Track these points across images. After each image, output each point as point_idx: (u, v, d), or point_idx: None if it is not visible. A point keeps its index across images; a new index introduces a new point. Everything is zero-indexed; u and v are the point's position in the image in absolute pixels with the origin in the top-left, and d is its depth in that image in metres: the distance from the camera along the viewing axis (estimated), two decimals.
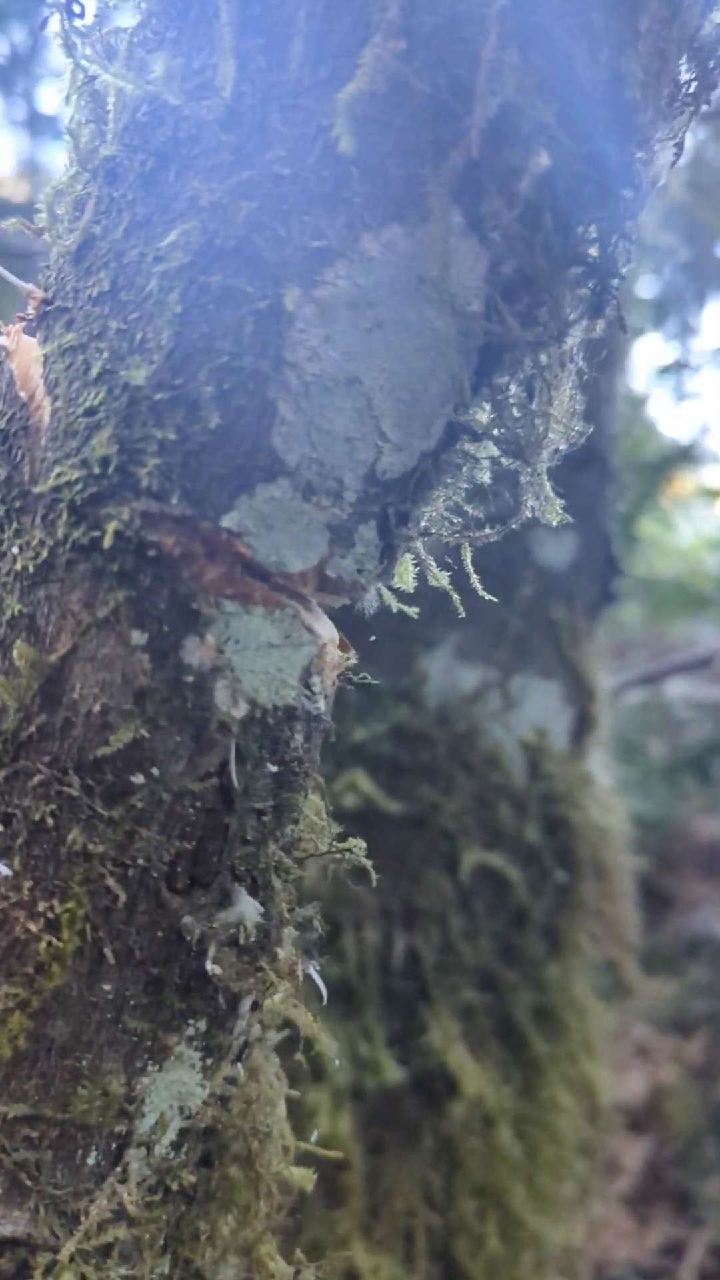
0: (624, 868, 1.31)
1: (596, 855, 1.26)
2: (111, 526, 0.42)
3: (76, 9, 0.53)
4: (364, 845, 0.55)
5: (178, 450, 0.42)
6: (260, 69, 0.41)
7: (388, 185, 0.41)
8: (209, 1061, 0.49)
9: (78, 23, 0.47)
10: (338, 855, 0.53)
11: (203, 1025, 0.49)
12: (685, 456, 3.41)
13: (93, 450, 0.42)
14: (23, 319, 0.47)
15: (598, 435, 1.32)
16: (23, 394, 0.44)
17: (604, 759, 1.32)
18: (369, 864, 0.55)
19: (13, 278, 0.48)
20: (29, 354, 0.45)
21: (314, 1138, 0.56)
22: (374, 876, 0.55)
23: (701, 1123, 2.98)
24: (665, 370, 3.32)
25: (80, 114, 0.46)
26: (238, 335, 0.41)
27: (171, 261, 0.41)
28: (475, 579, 0.53)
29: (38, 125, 3.03)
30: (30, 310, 0.46)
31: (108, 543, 0.42)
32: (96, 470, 0.42)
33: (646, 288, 3.04)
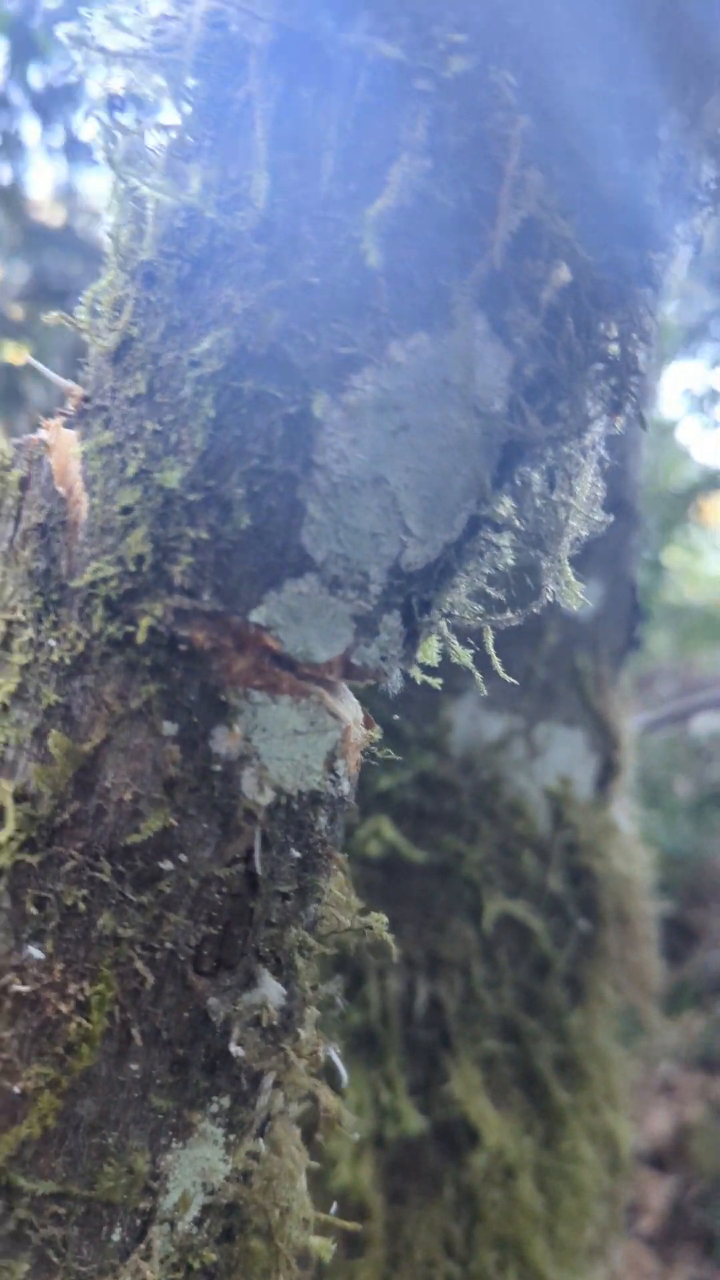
0: (646, 915, 1.30)
1: (619, 904, 1.26)
2: (145, 622, 0.43)
3: (117, 104, 0.55)
4: (385, 920, 0.56)
5: (210, 549, 0.43)
6: (293, 182, 0.42)
7: (414, 294, 0.42)
8: (232, 1137, 0.50)
9: (120, 116, 0.49)
10: (361, 931, 0.54)
11: (226, 1102, 0.50)
12: (715, 483, 3.41)
13: (128, 548, 0.44)
14: (62, 414, 0.48)
15: (624, 482, 1.33)
16: (61, 489, 0.46)
17: (628, 806, 1.32)
18: (390, 939, 0.55)
19: (52, 374, 0.49)
20: (68, 449, 0.47)
21: (334, 1209, 0.57)
22: (391, 942, 0.56)
23: None
24: (696, 400, 3.33)
25: (120, 218, 0.47)
26: (269, 439, 0.43)
27: (206, 367, 0.43)
28: (496, 661, 0.53)
29: (75, 152, 3.08)
30: (70, 406, 0.48)
31: (141, 638, 0.43)
32: (132, 567, 0.44)
33: (677, 313, 3.06)
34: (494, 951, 1.19)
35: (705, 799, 2.75)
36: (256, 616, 0.44)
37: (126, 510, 0.44)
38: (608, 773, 1.27)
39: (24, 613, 0.46)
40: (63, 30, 0.45)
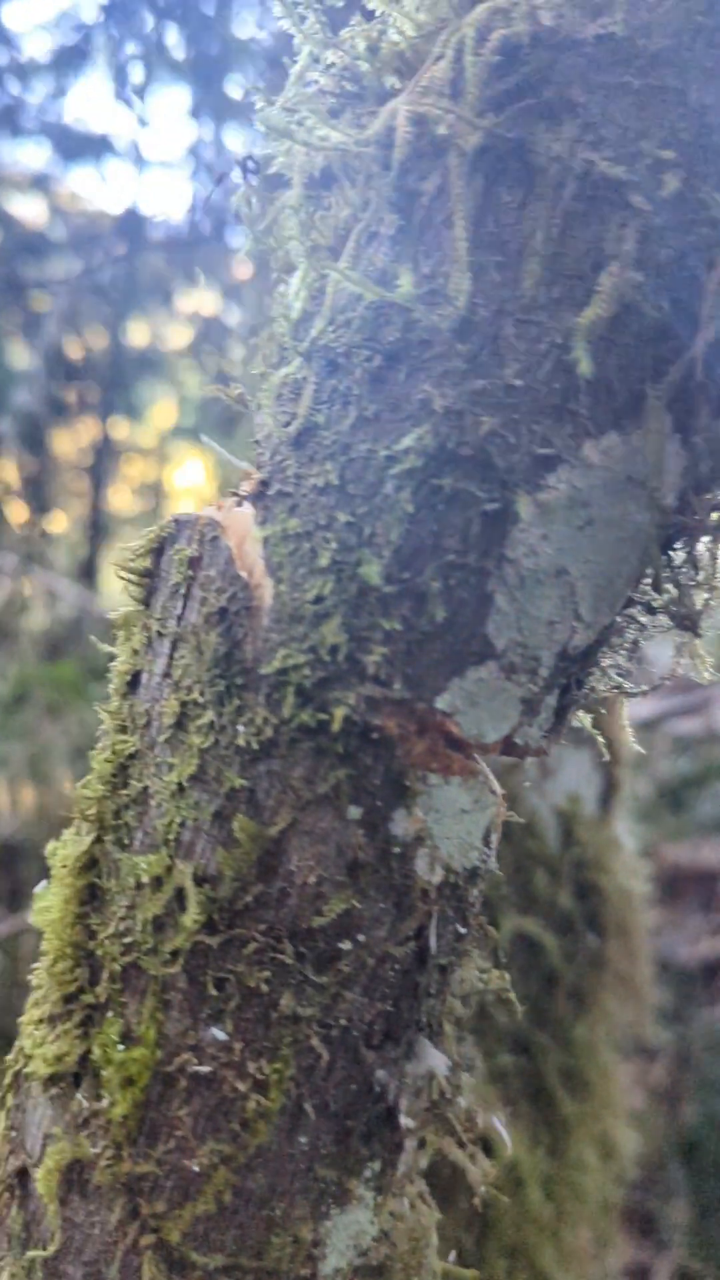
0: (644, 928, 1.34)
1: (621, 918, 1.30)
2: (340, 712, 0.44)
3: (251, 165, 0.56)
4: (508, 978, 0.57)
5: (402, 639, 0.44)
6: (494, 283, 0.43)
7: (611, 398, 0.43)
8: (379, 1199, 0.51)
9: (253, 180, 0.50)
10: (490, 989, 0.55)
11: (377, 1166, 0.51)
12: None
13: (322, 637, 0.44)
14: (235, 494, 0.48)
15: None
16: (243, 573, 0.46)
17: (629, 822, 1.35)
18: (513, 996, 0.57)
19: (225, 453, 0.49)
20: (245, 532, 0.47)
21: (451, 1257, 0.58)
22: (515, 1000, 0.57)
23: (666, 1146, 3.03)
24: None
25: (291, 291, 0.48)
26: (465, 534, 0.44)
27: (405, 463, 0.43)
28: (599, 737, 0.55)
29: None
30: (244, 488, 0.48)
31: (336, 727, 0.44)
32: (325, 657, 0.44)
33: None
34: (507, 968, 1.21)
35: (658, 796, 2.82)
36: (441, 703, 0.45)
37: (319, 600, 0.45)
38: (610, 789, 1.31)
39: (202, 694, 0.47)
40: (263, 118, 0.46)
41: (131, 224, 3.21)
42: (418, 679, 0.45)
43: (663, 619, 0.51)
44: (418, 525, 0.44)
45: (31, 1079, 0.51)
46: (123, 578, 0.52)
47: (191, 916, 0.46)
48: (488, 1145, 1.16)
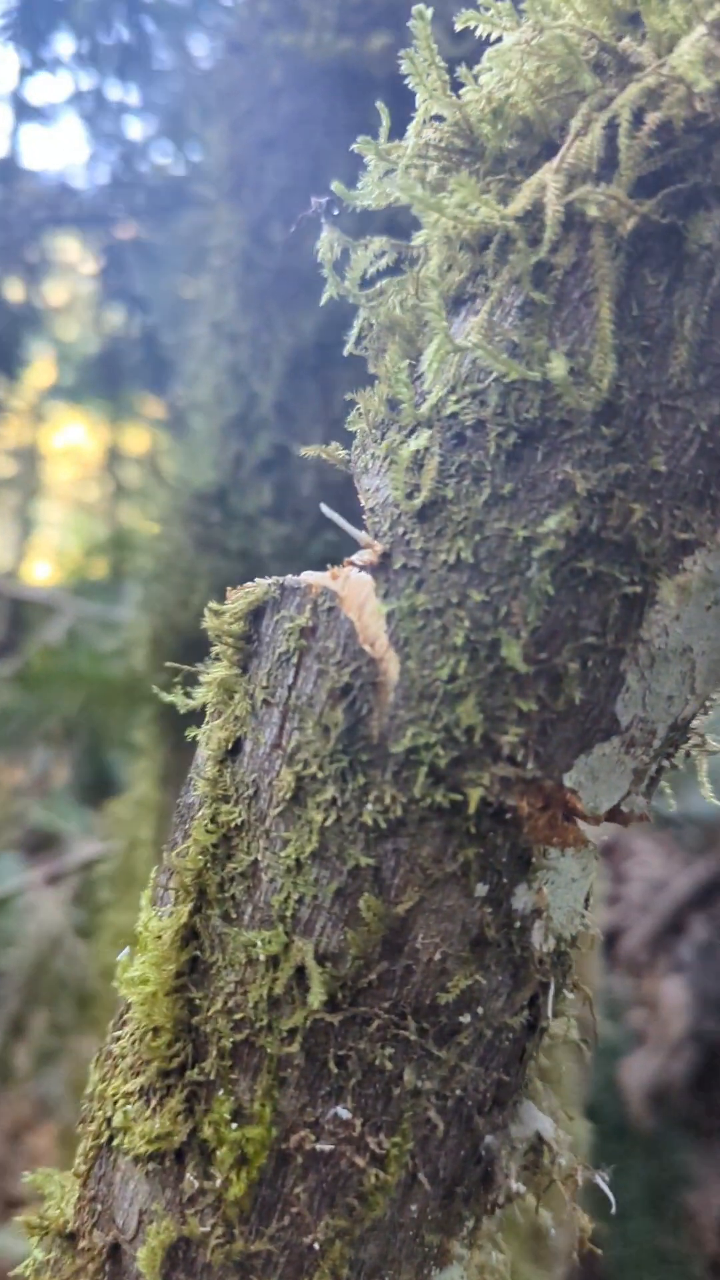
0: (594, 925, 1.37)
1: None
2: (476, 794, 0.44)
3: (335, 211, 0.54)
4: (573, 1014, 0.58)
5: (537, 719, 0.44)
6: (639, 367, 0.43)
7: None
8: (470, 1254, 0.52)
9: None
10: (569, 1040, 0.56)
11: (472, 1224, 0.51)
12: None
13: (456, 717, 0.44)
14: (352, 565, 0.47)
15: None
16: (368, 648, 0.45)
17: None
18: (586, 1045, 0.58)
19: (347, 525, 0.48)
20: (364, 604, 0.46)
21: None
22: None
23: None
24: None
25: (426, 362, 0.47)
26: (604, 616, 0.44)
27: (546, 545, 0.43)
28: (707, 787, 0.56)
29: None
30: (365, 559, 0.47)
31: (473, 809, 0.44)
32: (459, 736, 0.44)
33: None
34: None
35: None
36: (568, 781, 0.46)
37: (452, 678, 0.44)
38: None
39: (321, 769, 0.46)
40: (406, 189, 0.44)
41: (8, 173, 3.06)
42: (548, 757, 0.45)
43: None
44: (557, 607, 0.44)
45: (121, 1152, 0.50)
46: (218, 642, 0.50)
47: (315, 996, 0.45)
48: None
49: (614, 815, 0.50)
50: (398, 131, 0.50)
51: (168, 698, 0.58)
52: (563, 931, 0.49)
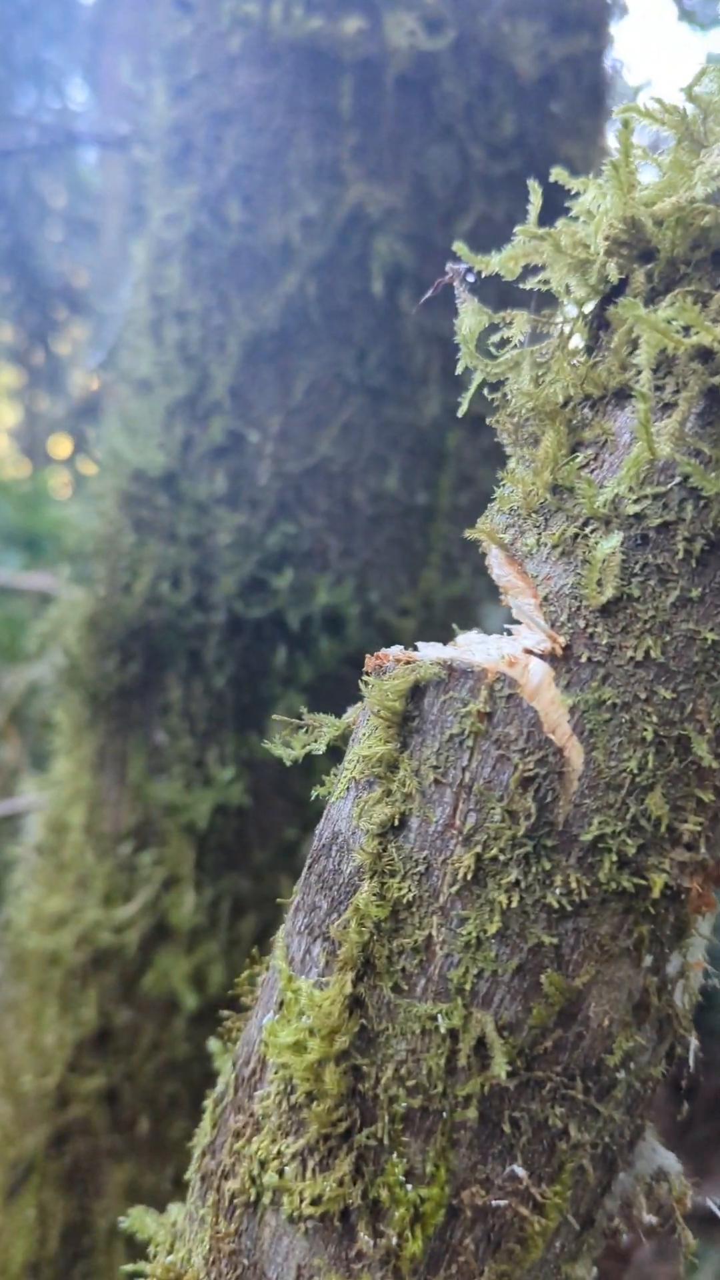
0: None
1: None
2: (660, 880, 0.47)
3: (470, 278, 0.55)
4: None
5: (712, 809, 0.48)
6: None
7: None
8: (585, 1275, 0.57)
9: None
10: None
11: (589, 1247, 0.56)
12: None
13: (645, 808, 0.47)
14: (530, 654, 0.49)
15: None
16: (553, 737, 0.47)
17: None
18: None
19: (532, 617, 0.49)
20: (550, 695, 0.48)
21: None
22: None
23: None
24: None
25: (625, 470, 0.48)
26: None
27: None
28: None
29: None
30: (542, 649, 0.49)
31: (656, 894, 0.47)
32: (646, 825, 0.47)
33: None
34: None
35: None
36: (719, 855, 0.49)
37: (641, 771, 0.47)
38: None
39: (503, 852, 0.48)
40: (638, 317, 0.45)
41: None
42: (717, 841, 0.49)
43: None
44: None
45: (273, 1210, 0.52)
46: (378, 717, 0.51)
47: (499, 1065, 0.48)
48: None
49: None
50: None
51: (275, 750, 0.58)
52: (695, 990, 0.53)
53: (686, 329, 0.46)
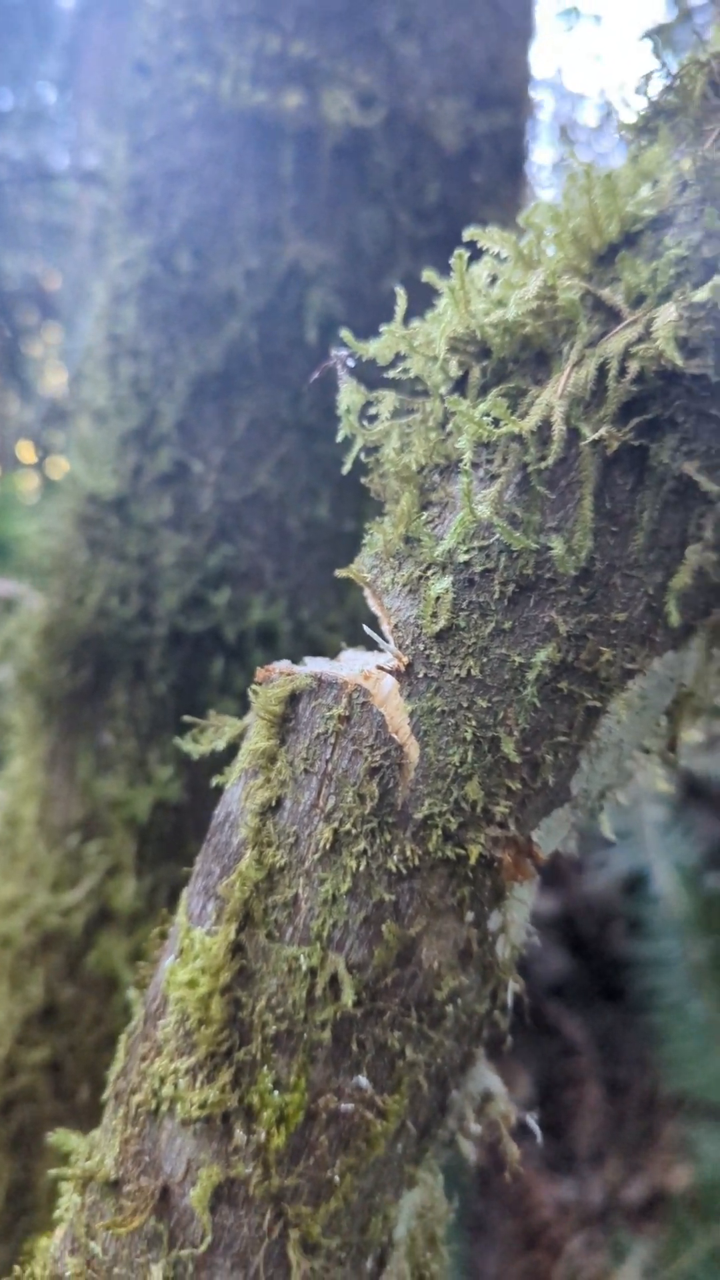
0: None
1: None
2: (476, 850, 0.60)
3: (351, 362, 0.68)
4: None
5: (520, 795, 0.61)
6: (608, 545, 0.59)
7: (671, 634, 0.61)
8: (426, 1175, 0.69)
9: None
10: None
11: (429, 1154, 0.68)
12: None
13: (465, 794, 0.60)
14: (382, 670, 0.62)
15: None
16: (395, 736, 0.60)
17: None
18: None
19: (381, 640, 0.62)
20: (396, 705, 0.61)
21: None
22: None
23: None
24: None
25: (451, 529, 0.61)
26: (571, 721, 0.60)
27: (535, 670, 0.59)
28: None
29: None
30: (390, 667, 0.61)
31: (473, 860, 0.60)
32: (465, 807, 0.60)
33: None
34: None
35: None
36: (535, 835, 0.62)
37: (462, 764, 0.60)
38: None
39: (355, 827, 0.60)
40: (457, 409, 0.58)
41: None
42: (524, 820, 0.61)
43: (654, 754, 0.70)
44: (540, 715, 0.60)
45: (168, 1116, 0.64)
46: (262, 719, 0.64)
47: (347, 996, 0.60)
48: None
49: (553, 856, 0.67)
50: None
51: (185, 746, 0.71)
52: (516, 942, 0.66)
53: (497, 421, 0.58)
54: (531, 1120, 0.69)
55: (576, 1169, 3.13)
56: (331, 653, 1.37)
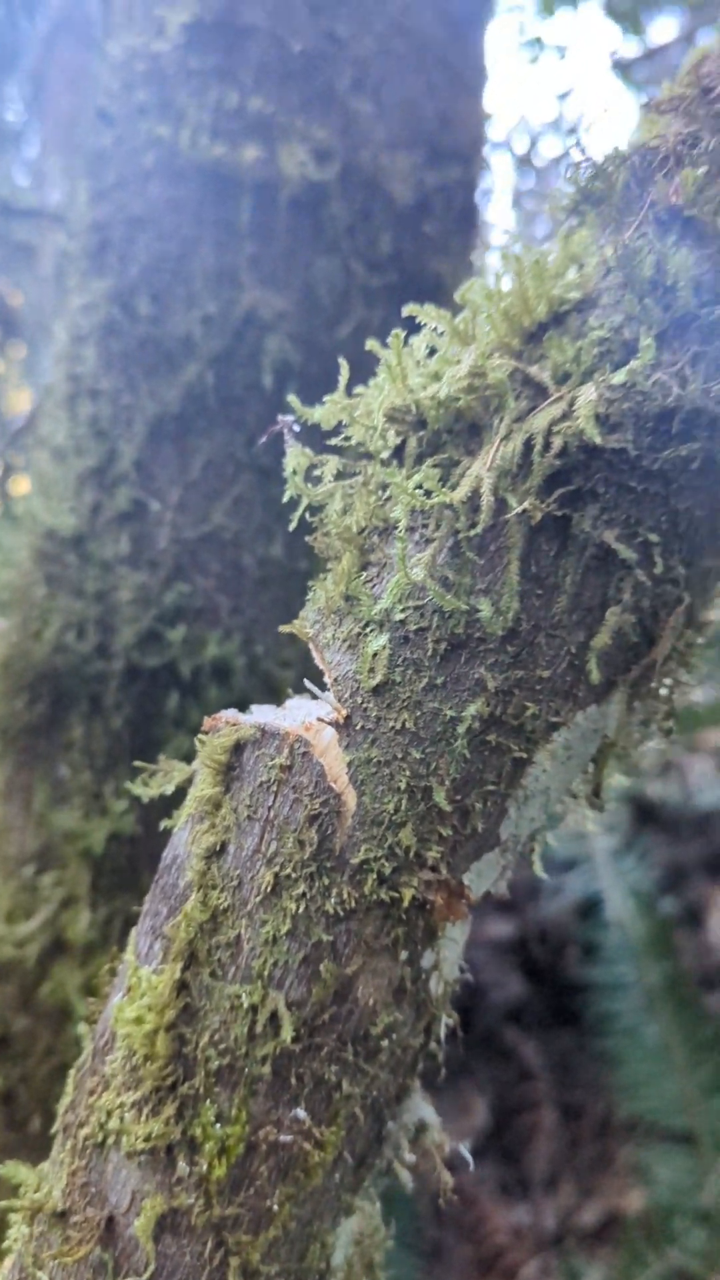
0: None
1: None
2: (409, 892, 0.63)
3: (296, 427, 0.72)
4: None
5: (451, 840, 0.64)
6: (534, 606, 0.63)
7: (593, 690, 0.65)
8: (361, 1204, 0.72)
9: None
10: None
11: (367, 1183, 0.72)
12: None
13: (399, 840, 0.63)
14: (323, 722, 0.65)
15: None
16: (334, 786, 0.64)
17: None
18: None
19: (320, 693, 0.66)
20: (334, 754, 0.64)
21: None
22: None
23: None
24: None
25: (387, 590, 0.65)
26: (500, 772, 0.64)
27: (466, 723, 0.63)
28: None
29: None
30: (330, 719, 0.65)
31: (406, 903, 0.63)
32: (400, 853, 0.63)
33: None
34: None
35: None
36: (466, 878, 0.66)
37: (397, 811, 0.63)
38: None
39: (295, 871, 0.64)
40: (393, 479, 0.62)
41: None
42: (456, 864, 0.65)
43: (581, 799, 0.74)
44: (469, 765, 0.64)
45: (114, 1149, 0.67)
46: (208, 767, 0.67)
47: (286, 1032, 0.63)
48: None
49: (486, 897, 0.71)
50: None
51: (135, 790, 0.74)
52: (449, 978, 0.69)
53: (429, 492, 0.62)
54: (464, 1150, 0.72)
55: (531, 1194, 3.16)
56: (285, 687, 1.41)
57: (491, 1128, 3.07)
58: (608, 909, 3.05)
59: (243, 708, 1.26)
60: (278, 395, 1.36)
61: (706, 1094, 2.69)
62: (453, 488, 0.63)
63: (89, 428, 1.39)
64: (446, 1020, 0.70)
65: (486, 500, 0.62)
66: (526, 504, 0.61)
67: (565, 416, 0.62)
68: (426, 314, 0.69)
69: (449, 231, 1.44)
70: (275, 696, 1.40)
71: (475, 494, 0.62)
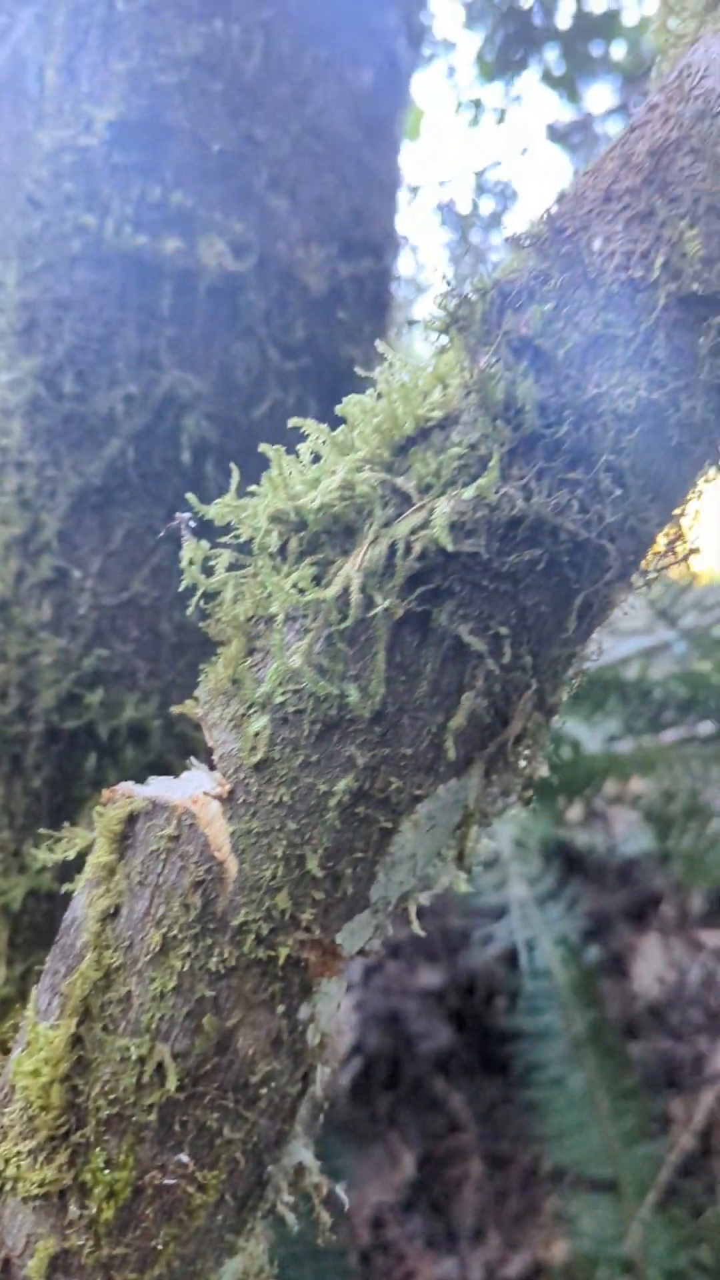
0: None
1: None
2: (285, 951, 0.70)
3: (192, 523, 0.79)
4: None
5: (324, 904, 0.71)
6: (399, 691, 0.70)
7: (451, 765, 0.72)
8: (245, 1244, 0.78)
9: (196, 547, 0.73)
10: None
11: (251, 1225, 0.77)
12: None
13: (275, 903, 0.70)
14: (209, 796, 0.72)
15: None
16: (217, 854, 0.70)
17: None
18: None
19: (207, 771, 0.72)
20: (219, 825, 0.71)
21: None
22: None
23: None
24: None
25: (269, 675, 0.72)
26: (368, 841, 0.71)
27: (337, 797, 0.70)
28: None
29: None
30: (215, 793, 0.71)
31: (281, 961, 0.70)
32: (276, 915, 0.70)
33: None
34: None
35: None
36: (339, 938, 0.72)
37: (273, 878, 0.70)
38: None
39: (181, 932, 0.70)
40: (272, 582, 0.69)
41: None
42: (328, 925, 0.72)
43: (450, 862, 0.81)
44: (340, 835, 0.70)
45: (12, 1195, 0.72)
46: (104, 836, 0.73)
47: (171, 1081, 0.69)
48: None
49: (360, 953, 0.77)
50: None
51: (40, 856, 0.79)
52: (325, 1029, 0.75)
53: (303, 590, 0.70)
54: (340, 1191, 0.78)
55: (458, 1247, 3.19)
56: (200, 748, 1.47)
57: (419, 1180, 3.10)
58: (535, 957, 3.11)
59: (159, 768, 1.34)
60: (196, 471, 1.44)
61: (629, 1142, 2.74)
62: (326, 585, 0.70)
63: (14, 498, 1.45)
64: (322, 1070, 0.76)
65: (355, 598, 0.69)
66: (388, 602, 0.69)
67: (425, 524, 0.70)
68: (309, 426, 0.77)
69: (361, 318, 1.54)
70: (191, 756, 1.46)
71: (346, 591, 0.70)
